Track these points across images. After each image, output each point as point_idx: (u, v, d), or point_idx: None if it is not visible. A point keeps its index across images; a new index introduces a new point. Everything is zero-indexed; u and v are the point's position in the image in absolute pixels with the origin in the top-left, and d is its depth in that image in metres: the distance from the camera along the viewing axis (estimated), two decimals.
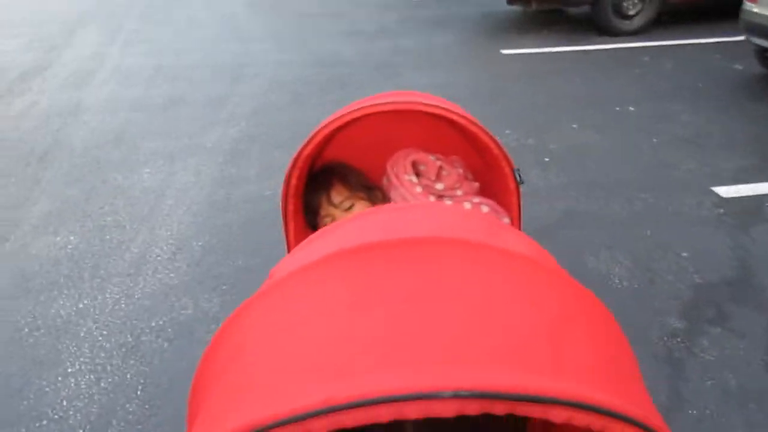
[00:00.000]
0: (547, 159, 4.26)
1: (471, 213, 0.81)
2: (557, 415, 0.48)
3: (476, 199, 1.57)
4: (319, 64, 6.56)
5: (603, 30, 7.37)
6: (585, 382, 0.52)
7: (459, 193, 1.61)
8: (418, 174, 1.59)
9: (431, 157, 1.60)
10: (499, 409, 0.47)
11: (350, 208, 1.54)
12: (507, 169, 1.40)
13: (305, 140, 1.34)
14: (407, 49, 7.07)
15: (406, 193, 1.54)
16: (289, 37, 7.82)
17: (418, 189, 1.54)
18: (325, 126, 1.33)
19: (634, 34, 7.34)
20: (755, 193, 3.72)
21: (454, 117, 1.32)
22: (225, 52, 7.14)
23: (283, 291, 0.61)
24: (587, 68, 6.22)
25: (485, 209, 1.55)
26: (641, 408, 0.53)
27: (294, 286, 0.61)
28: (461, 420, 0.50)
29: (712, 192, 3.76)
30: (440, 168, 1.60)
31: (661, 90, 5.55)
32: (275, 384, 0.51)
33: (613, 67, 6.23)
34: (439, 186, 1.58)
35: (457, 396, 0.46)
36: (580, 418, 0.49)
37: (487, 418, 0.53)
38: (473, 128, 1.33)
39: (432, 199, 1.55)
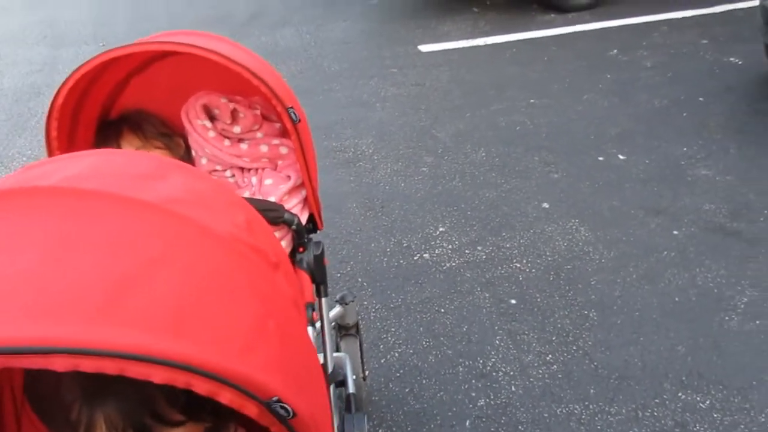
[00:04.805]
0: (513, 301, 2.49)
1: (135, 160, 0.85)
2: (60, 364, 0.52)
3: (276, 141, 1.60)
4: None
5: (548, 3, 5.58)
6: (124, 326, 0.57)
7: (259, 135, 1.61)
8: (213, 118, 1.59)
9: (223, 100, 1.58)
10: None
11: None
12: (280, 108, 1.38)
13: (57, 89, 1.32)
14: (289, 50, 5.05)
15: (200, 139, 1.55)
16: (102, 28, 5.59)
17: (211, 134, 1.55)
18: (72, 75, 1.32)
19: (588, 8, 5.58)
20: None
21: (213, 56, 1.30)
22: None
23: None
24: (543, 72, 4.43)
25: (284, 150, 1.59)
26: (208, 353, 0.59)
27: None
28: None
29: None
30: (234, 111, 1.58)
31: (652, 111, 3.84)
32: None
33: (576, 69, 4.46)
34: (236, 129, 1.58)
35: None
36: (87, 365, 0.53)
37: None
38: (235, 68, 1.31)
39: (227, 143, 1.57)
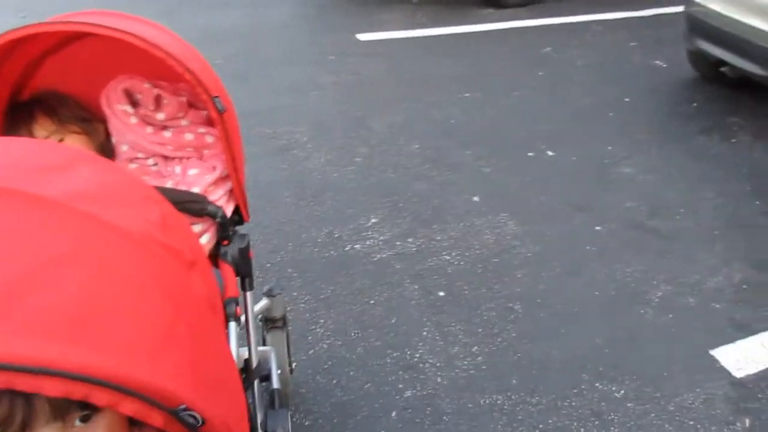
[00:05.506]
0: (442, 293, 2.53)
1: (36, 150, 0.80)
2: None
3: (202, 129, 1.55)
4: None
5: None
6: (14, 334, 0.52)
7: (184, 122, 1.57)
8: (135, 103, 1.53)
9: (146, 85, 1.53)
10: None
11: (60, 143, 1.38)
12: (205, 96, 1.33)
13: None
14: (225, 32, 4.92)
15: (120, 125, 1.50)
16: None
17: (133, 120, 1.51)
18: None
19: (525, 5, 5.70)
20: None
21: (134, 40, 1.24)
22: None
23: None
24: (478, 67, 4.49)
25: (210, 139, 1.53)
26: (97, 357, 0.55)
27: None
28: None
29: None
30: (158, 96, 1.54)
31: (581, 109, 3.97)
32: None
33: (510, 64, 4.55)
34: (160, 116, 1.53)
35: None
36: None
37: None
38: (158, 53, 1.25)
39: (150, 129, 1.52)
